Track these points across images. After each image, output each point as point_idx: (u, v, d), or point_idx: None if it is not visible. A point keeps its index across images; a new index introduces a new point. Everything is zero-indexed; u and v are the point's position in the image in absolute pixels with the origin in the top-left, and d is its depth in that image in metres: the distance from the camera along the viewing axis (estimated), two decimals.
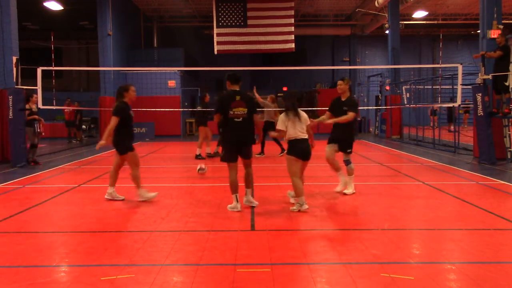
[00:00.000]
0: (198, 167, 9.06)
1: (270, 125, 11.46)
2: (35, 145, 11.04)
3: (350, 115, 6.91)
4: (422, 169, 10.16)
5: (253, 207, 6.24)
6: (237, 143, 6.03)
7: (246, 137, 6.06)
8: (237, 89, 6.08)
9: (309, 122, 6.23)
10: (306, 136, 6.12)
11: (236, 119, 5.95)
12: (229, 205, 6.13)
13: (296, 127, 6.05)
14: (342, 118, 6.92)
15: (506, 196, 7.14)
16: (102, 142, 6.48)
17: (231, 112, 5.94)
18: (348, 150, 7.12)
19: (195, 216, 5.82)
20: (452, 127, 19.30)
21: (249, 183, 6.25)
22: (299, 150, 6.06)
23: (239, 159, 6.16)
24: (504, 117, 10.51)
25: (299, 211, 6.00)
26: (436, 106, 20.34)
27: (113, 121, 6.48)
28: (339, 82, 7.16)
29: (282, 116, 6.14)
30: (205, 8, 23.09)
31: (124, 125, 6.59)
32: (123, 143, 6.66)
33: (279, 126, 6.10)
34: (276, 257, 4.23)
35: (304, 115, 6.20)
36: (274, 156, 12.28)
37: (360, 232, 5.08)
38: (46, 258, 4.34)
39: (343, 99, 7.10)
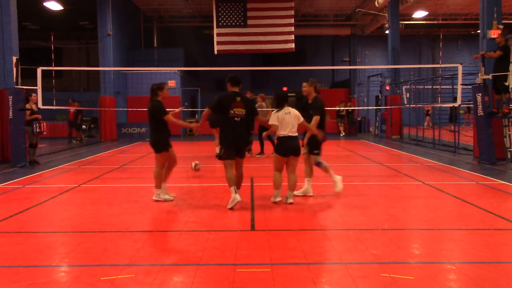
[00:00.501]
0: (196, 165, 9.23)
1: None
2: (34, 145, 11.03)
3: (315, 119, 6.68)
4: (422, 169, 10.16)
5: (252, 206, 6.33)
6: (237, 141, 6.22)
7: (244, 136, 6.28)
8: (237, 91, 6.30)
9: (301, 120, 6.42)
10: (296, 134, 6.37)
11: (236, 118, 6.15)
12: (228, 204, 6.13)
13: (287, 124, 6.28)
14: (310, 127, 6.64)
15: (506, 196, 7.14)
16: (194, 125, 6.48)
17: (232, 112, 6.14)
18: (315, 152, 6.86)
19: (195, 216, 5.82)
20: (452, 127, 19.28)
21: (239, 184, 6.42)
22: (287, 148, 6.32)
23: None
24: (504, 117, 10.51)
25: (274, 203, 6.37)
26: (428, 106, 20.35)
27: (170, 118, 6.59)
28: (304, 84, 6.92)
29: (275, 113, 6.38)
30: (205, 8, 23.08)
31: (161, 125, 6.63)
32: (161, 142, 6.67)
33: (272, 121, 6.34)
34: (276, 257, 4.23)
35: (296, 113, 6.41)
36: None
37: (360, 232, 5.07)
38: (46, 258, 4.34)
39: (309, 101, 6.92)
